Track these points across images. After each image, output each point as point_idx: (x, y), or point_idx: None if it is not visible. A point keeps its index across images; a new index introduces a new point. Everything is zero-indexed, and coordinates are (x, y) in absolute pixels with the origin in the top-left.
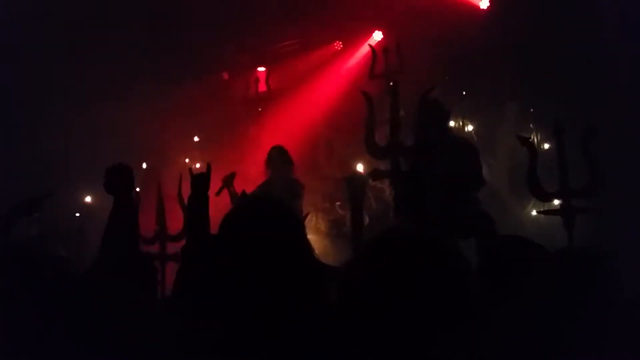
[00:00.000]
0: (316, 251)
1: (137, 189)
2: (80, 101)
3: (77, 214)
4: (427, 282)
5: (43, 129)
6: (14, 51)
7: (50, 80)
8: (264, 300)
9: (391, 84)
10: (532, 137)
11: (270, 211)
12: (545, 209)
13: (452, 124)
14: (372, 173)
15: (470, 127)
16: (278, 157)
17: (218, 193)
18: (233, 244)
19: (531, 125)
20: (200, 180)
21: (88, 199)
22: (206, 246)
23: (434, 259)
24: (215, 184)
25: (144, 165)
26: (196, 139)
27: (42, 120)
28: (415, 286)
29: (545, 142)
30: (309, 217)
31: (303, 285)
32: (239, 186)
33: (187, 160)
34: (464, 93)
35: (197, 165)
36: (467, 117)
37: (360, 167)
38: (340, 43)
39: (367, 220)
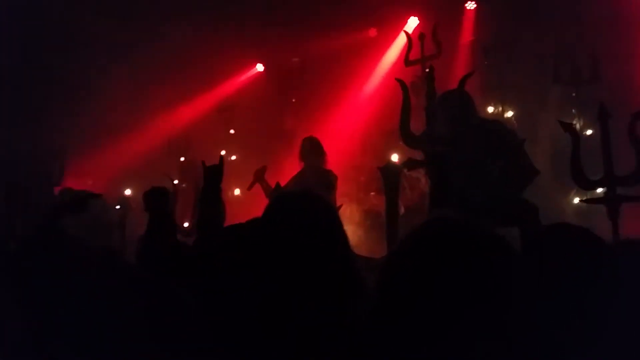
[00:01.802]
0: (350, 242)
1: (176, 182)
2: (119, 99)
3: (118, 207)
4: (473, 273)
5: (84, 122)
6: (58, 40)
7: (90, 77)
8: (295, 294)
9: (427, 70)
10: (574, 122)
11: (310, 205)
12: (589, 197)
13: (491, 109)
14: (407, 162)
15: (510, 113)
16: (311, 148)
17: (250, 187)
18: (272, 236)
19: (573, 111)
20: (213, 173)
21: (128, 191)
22: (217, 239)
23: (481, 249)
24: (249, 177)
25: (182, 159)
26: (232, 131)
27: (83, 115)
28: (461, 277)
29: (589, 127)
30: (343, 207)
31: (339, 280)
32: (273, 178)
33: (223, 152)
34: (503, 78)
35: (233, 158)
36: (507, 102)
37: (395, 157)
38: (375, 30)
39: (402, 210)
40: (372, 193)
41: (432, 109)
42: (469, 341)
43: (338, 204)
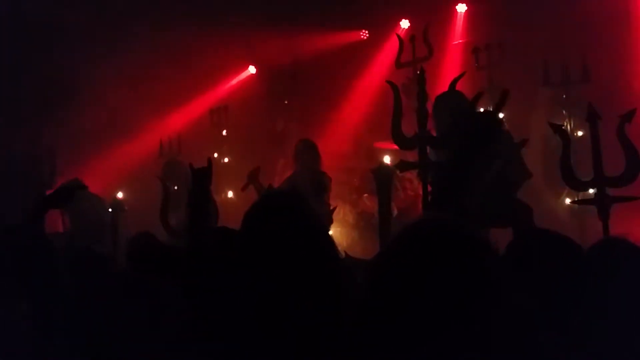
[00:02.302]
0: (344, 244)
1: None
2: (111, 100)
3: (110, 209)
4: (457, 274)
5: (75, 125)
6: (48, 41)
7: (80, 78)
8: (277, 296)
9: (418, 72)
10: (565, 124)
11: (291, 205)
12: (580, 198)
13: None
14: (399, 164)
15: (501, 115)
16: (305, 150)
17: (244, 188)
18: (253, 238)
19: (564, 112)
20: (201, 175)
21: (120, 194)
22: (207, 243)
23: (464, 251)
24: (241, 179)
25: (166, 160)
26: (224, 133)
27: (74, 117)
28: (445, 278)
29: (580, 129)
30: (336, 209)
31: (322, 282)
32: (265, 180)
33: (215, 154)
34: (494, 80)
35: (226, 160)
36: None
37: (387, 159)
38: (366, 32)
39: (395, 211)
40: (365, 195)
41: (423, 111)
42: (455, 340)
43: (332, 206)
